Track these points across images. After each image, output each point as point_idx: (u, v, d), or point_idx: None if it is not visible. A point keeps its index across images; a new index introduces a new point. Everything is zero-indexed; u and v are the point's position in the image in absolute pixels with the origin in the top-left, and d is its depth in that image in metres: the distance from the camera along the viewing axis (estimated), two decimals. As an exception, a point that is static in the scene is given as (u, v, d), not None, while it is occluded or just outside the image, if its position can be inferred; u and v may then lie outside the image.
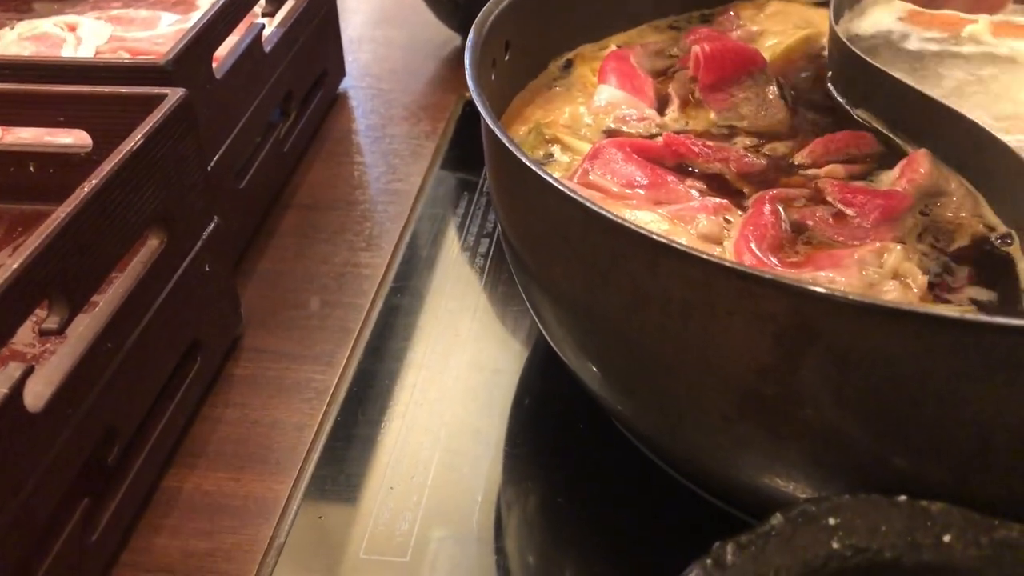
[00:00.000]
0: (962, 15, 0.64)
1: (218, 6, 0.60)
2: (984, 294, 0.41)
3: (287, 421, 0.52)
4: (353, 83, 0.87)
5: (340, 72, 0.85)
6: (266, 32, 0.70)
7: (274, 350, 0.56)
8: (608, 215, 0.35)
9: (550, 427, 0.51)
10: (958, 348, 0.30)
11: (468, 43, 0.48)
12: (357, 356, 0.55)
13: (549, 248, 0.41)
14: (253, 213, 0.67)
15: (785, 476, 0.37)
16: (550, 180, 0.37)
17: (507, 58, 0.55)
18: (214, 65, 0.60)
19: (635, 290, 0.36)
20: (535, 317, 0.46)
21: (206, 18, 0.58)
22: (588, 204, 0.36)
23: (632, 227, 0.34)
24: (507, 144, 0.39)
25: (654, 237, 0.34)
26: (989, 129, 0.45)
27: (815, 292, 0.31)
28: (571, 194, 0.36)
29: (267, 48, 0.68)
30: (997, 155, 0.44)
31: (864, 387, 0.32)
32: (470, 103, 0.75)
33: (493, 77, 0.52)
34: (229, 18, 0.61)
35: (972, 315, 0.32)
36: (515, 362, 0.55)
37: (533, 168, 0.37)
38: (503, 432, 0.51)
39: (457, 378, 0.54)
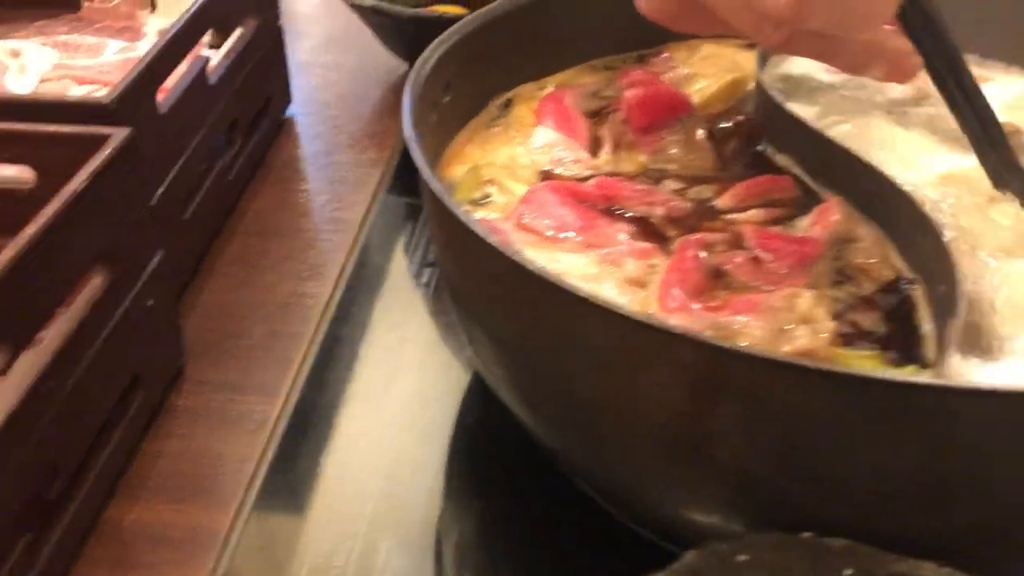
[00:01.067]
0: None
1: (164, 41, 0.61)
2: (888, 338, 0.43)
3: (229, 453, 0.53)
4: (299, 109, 0.88)
5: (285, 98, 0.86)
6: (212, 63, 0.71)
7: (217, 381, 0.58)
8: (531, 268, 0.37)
9: (488, 456, 0.53)
10: (848, 399, 0.32)
11: (407, 86, 0.49)
12: (299, 387, 0.57)
13: (481, 291, 0.43)
14: (198, 243, 0.68)
15: (704, 511, 0.40)
16: (477, 232, 0.39)
17: (448, 99, 0.56)
18: (160, 99, 0.61)
19: (559, 337, 0.38)
20: (473, 353, 0.48)
21: (151, 55, 0.59)
22: (513, 257, 0.38)
23: (554, 281, 0.37)
24: (438, 194, 0.41)
25: (574, 292, 0.36)
26: (893, 178, 0.47)
27: (724, 347, 0.33)
28: (497, 246, 0.38)
29: (213, 80, 0.69)
30: (901, 203, 0.47)
31: (770, 432, 0.35)
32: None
33: (435, 117, 0.54)
34: (175, 53, 0.62)
35: (856, 371, 0.35)
36: (456, 392, 0.56)
37: (461, 219, 0.39)
38: (443, 461, 0.52)
39: (398, 408, 0.55)
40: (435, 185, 0.42)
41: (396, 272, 0.66)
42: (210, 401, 0.56)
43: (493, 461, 0.52)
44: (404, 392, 0.56)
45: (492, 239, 0.38)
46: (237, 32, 0.75)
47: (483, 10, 0.58)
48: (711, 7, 0.40)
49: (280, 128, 0.85)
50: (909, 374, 0.40)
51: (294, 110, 0.87)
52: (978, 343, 0.42)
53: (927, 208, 0.46)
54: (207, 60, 0.68)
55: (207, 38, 0.70)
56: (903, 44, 0.45)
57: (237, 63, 0.73)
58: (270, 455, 0.52)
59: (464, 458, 0.52)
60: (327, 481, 0.51)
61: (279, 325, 0.62)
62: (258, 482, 0.51)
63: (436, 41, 0.55)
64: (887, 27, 0.45)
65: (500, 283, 0.40)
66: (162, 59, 0.60)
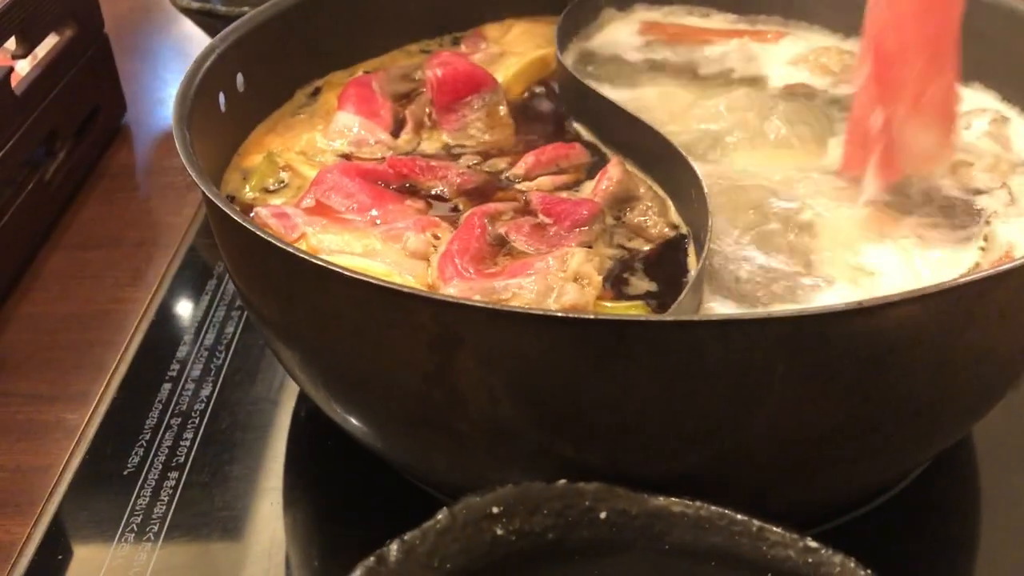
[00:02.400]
0: (700, 26, 0.69)
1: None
2: (660, 287, 0.44)
3: (32, 464, 0.52)
4: (136, 116, 0.86)
5: (119, 106, 0.84)
6: (22, 73, 0.69)
7: (26, 393, 0.56)
8: (277, 243, 0.37)
9: (294, 441, 0.52)
10: (574, 342, 0.33)
11: (182, 82, 0.49)
12: (111, 393, 0.55)
13: (248, 274, 0.42)
14: (13, 257, 0.66)
15: (469, 468, 0.40)
16: (229, 212, 0.39)
17: (243, 89, 0.56)
18: (-47, 110, 0.59)
19: (314, 310, 0.38)
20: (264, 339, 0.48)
21: (-65, 65, 0.57)
22: (260, 233, 0.37)
23: (297, 253, 0.37)
24: (196, 177, 0.41)
25: (315, 262, 0.36)
26: (668, 137, 0.49)
27: (448, 300, 0.34)
28: (247, 225, 0.38)
29: (20, 91, 0.67)
30: (677, 163, 0.48)
31: (510, 383, 0.35)
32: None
33: (224, 109, 0.54)
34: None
35: (574, 313, 0.35)
36: (269, 389, 0.56)
37: (213, 199, 0.39)
38: (259, 459, 0.52)
39: (210, 411, 0.54)
40: (192, 168, 0.41)
41: (218, 277, 0.65)
42: (16, 414, 0.55)
43: (292, 446, 0.52)
44: (218, 396, 0.55)
45: (238, 216, 0.38)
46: (50, 40, 0.73)
47: (273, 1, 0.58)
48: None
49: (114, 136, 0.83)
50: (633, 313, 0.41)
51: (131, 117, 0.86)
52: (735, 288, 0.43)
53: (695, 164, 0.47)
54: (10, 70, 0.66)
55: (11, 47, 0.68)
56: None
57: (51, 71, 0.72)
58: (75, 463, 0.51)
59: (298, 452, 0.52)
60: (132, 486, 0.50)
61: (95, 334, 0.61)
62: (60, 492, 0.49)
63: (221, 33, 0.54)
64: None
65: (255, 260, 0.40)
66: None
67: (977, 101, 0.57)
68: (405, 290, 0.34)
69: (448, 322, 0.34)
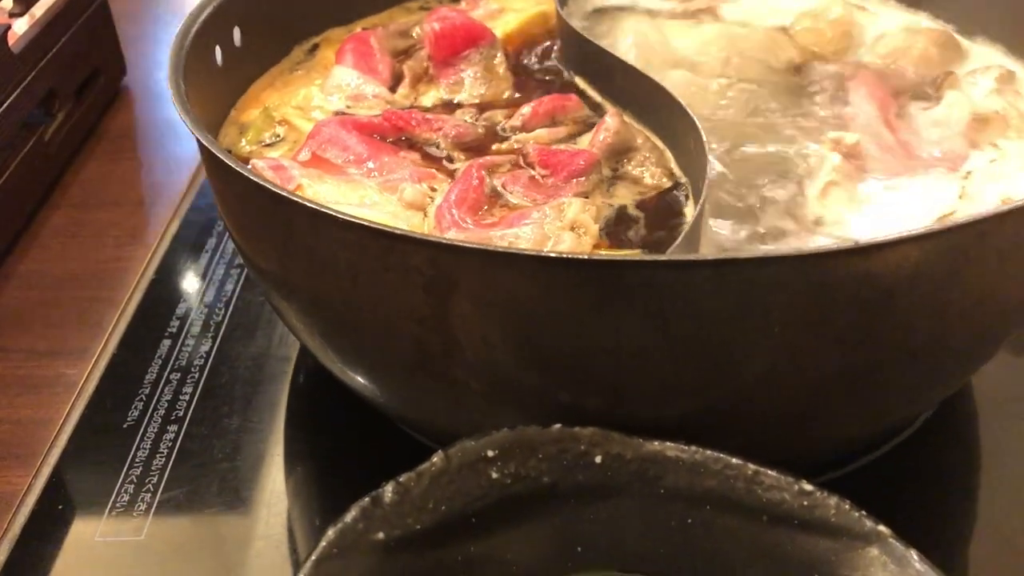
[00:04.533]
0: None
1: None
2: (657, 236, 0.44)
3: (33, 417, 0.52)
4: (137, 78, 0.86)
5: (118, 69, 0.84)
6: (19, 32, 0.69)
7: (26, 349, 0.56)
8: (270, 187, 0.37)
9: (294, 395, 0.52)
10: (568, 283, 0.33)
11: (177, 33, 0.49)
12: (110, 349, 0.56)
13: (244, 223, 0.42)
14: (13, 216, 0.66)
15: (473, 418, 0.40)
16: (224, 159, 0.38)
17: (239, 44, 0.56)
18: (-52, 67, 0.59)
19: (310, 256, 0.38)
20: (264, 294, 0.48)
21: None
22: (255, 179, 0.37)
23: (292, 197, 0.36)
24: (189, 124, 0.41)
25: (310, 206, 0.36)
26: (667, 88, 0.48)
27: (443, 243, 0.34)
28: (242, 171, 0.38)
29: (18, 49, 0.67)
30: (676, 113, 0.47)
31: (505, 328, 0.35)
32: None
33: (220, 62, 0.54)
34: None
35: (568, 253, 0.35)
36: (268, 345, 0.56)
37: (208, 145, 0.39)
38: (259, 413, 0.52)
39: (210, 366, 0.55)
40: (186, 115, 0.41)
41: (217, 236, 0.64)
42: (17, 369, 0.55)
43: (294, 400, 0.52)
44: (218, 353, 0.55)
45: (233, 162, 0.38)
46: (46, 2, 0.73)
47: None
48: None
49: (115, 98, 0.83)
50: (626, 255, 0.41)
51: (132, 79, 0.85)
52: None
53: (693, 114, 0.46)
54: (7, 28, 0.66)
55: (7, 5, 0.68)
56: None
57: (49, 31, 0.71)
58: (75, 417, 0.51)
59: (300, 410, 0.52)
60: (130, 440, 0.50)
61: (94, 291, 0.61)
62: (60, 444, 0.50)
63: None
64: None
65: (249, 207, 0.40)
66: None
67: (983, 57, 0.56)
68: (399, 232, 0.34)
69: (443, 265, 0.34)
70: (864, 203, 0.46)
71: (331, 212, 0.35)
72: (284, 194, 0.36)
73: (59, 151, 0.72)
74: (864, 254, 0.33)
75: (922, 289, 0.35)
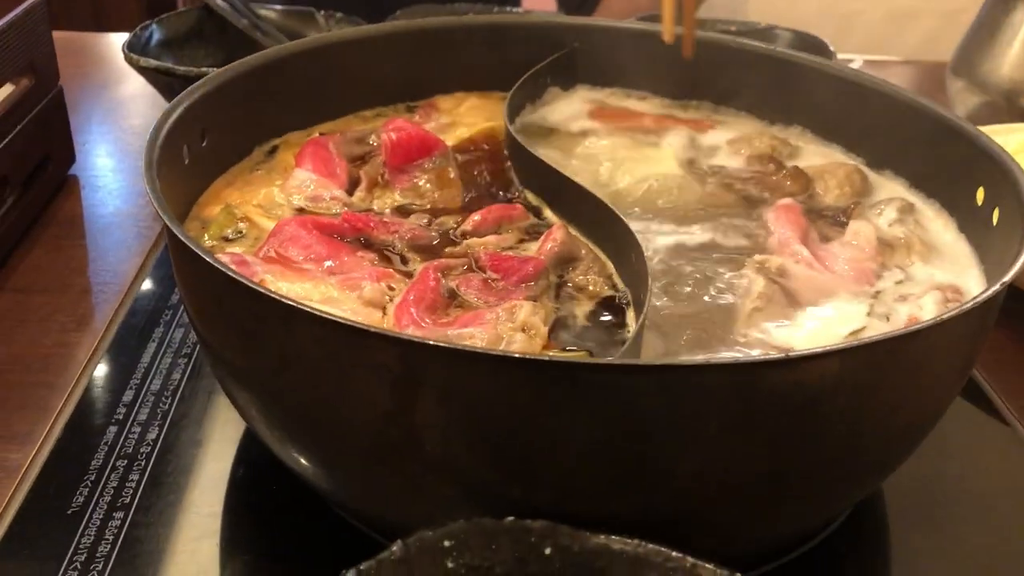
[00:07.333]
0: (640, 111, 0.73)
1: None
2: (600, 340, 0.48)
3: (-28, 502, 0.51)
4: (84, 167, 0.87)
5: (68, 157, 0.85)
6: (-24, 119, 0.70)
7: (-34, 433, 0.56)
8: (247, 282, 0.39)
9: (238, 486, 0.53)
10: (528, 382, 0.36)
11: (151, 131, 0.51)
12: (56, 434, 0.56)
13: (211, 313, 0.44)
14: (-43, 298, 0.66)
15: (421, 505, 0.42)
16: (197, 251, 0.41)
17: (204, 144, 0.58)
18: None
19: (278, 351, 0.40)
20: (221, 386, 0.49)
21: None
22: (229, 272, 0.39)
23: (265, 292, 0.39)
24: (165, 217, 0.43)
25: (285, 301, 0.38)
26: (612, 206, 0.52)
27: (415, 340, 0.36)
28: (215, 264, 0.40)
29: (-26, 135, 0.68)
30: (618, 229, 0.52)
31: (465, 424, 0.37)
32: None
33: (187, 161, 0.56)
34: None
35: (528, 355, 0.38)
36: (215, 434, 0.57)
37: (184, 240, 0.41)
38: (204, 501, 0.52)
39: (156, 454, 0.55)
40: (163, 213, 0.43)
41: (166, 323, 0.65)
42: (-43, 454, 0.54)
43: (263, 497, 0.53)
44: (166, 438, 0.56)
45: (206, 254, 0.40)
46: (6, 90, 0.74)
47: (236, 63, 0.60)
48: None
49: (62, 186, 0.84)
50: (576, 357, 0.44)
51: (78, 168, 0.87)
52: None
53: (635, 230, 0.50)
54: (-35, 115, 0.67)
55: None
56: None
57: (4, 120, 0.73)
58: (17, 502, 0.51)
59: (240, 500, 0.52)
60: (76, 526, 0.50)
61: (39, 376, 0.61)
62: (2, 528, 0.49)
63: (188, 89, 0.56)
64: None
65: (222, 301, 0.41)
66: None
67: (888, 190, 0.63)
68: (372, 329, 0.36)
69: (412, 361, 0.36)
70: (784, 319, 0.50)
71: (306, 308, 0.37)
72: (261, 290, 0.38)
73: (6, 236, 0.73)
74: (792, 365, 0.37)
75: (843, 397, 0.38)
